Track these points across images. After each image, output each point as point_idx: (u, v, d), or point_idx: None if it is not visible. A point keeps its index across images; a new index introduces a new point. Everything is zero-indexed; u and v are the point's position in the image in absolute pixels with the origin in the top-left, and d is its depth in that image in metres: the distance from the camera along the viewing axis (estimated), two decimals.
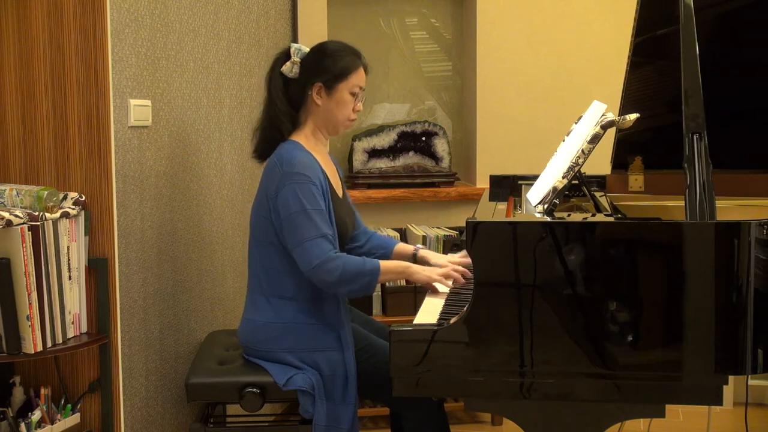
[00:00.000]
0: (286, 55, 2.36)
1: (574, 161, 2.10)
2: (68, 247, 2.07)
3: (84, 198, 2.12)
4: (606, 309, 1.84)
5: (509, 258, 1.86)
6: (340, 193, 2.42)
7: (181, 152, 2.57)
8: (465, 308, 1.91)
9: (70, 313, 2.09)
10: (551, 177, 2.22)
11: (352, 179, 3.62)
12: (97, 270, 2.15)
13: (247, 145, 2.98)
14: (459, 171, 3.85)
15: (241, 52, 2.99)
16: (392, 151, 3.68)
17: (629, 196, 2.79)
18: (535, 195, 2.29)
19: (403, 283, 3.25)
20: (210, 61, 2.75)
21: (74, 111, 2.12)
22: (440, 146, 3.69)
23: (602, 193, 2.75)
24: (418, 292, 3.22)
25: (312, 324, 2.28)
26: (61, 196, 2.10)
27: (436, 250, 3.15)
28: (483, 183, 3.54)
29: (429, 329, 1.91)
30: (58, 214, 2.03)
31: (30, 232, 1.96)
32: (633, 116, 2.16)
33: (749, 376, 2.89)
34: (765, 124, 2.64)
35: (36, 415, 2.06)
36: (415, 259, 2.51)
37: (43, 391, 2.12)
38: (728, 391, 3.38)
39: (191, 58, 2.62)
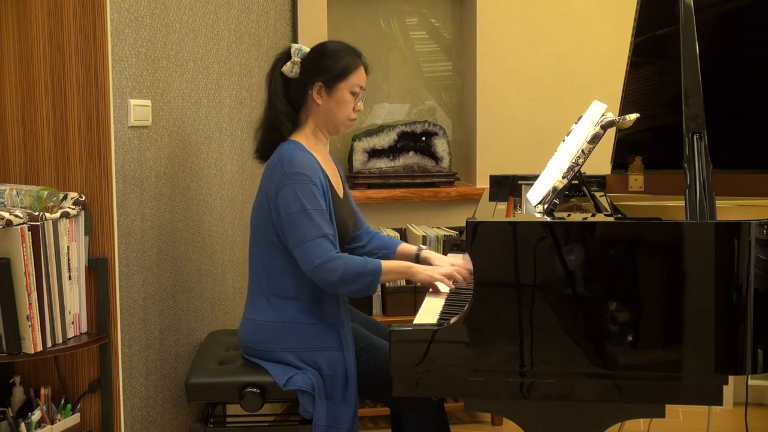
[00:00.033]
0: (286, 56, 2.36)
1: (574, 161, 2.11)
2: (68, 247, 2.07)
3: (84, 198, 2.12)
4: (606, 309, 1.84)
5: (509, 258, 1.86)
6: (340, 192, 2.42)
7: (181, 152, 2.57)
8: (465, 308, 1.91)
9: (70, 313, 2.09)
10: (551, 177, 2.22)
11: (352, 179, 3.62)
12: (97, 270, 2.15)
13: (247, 145, 2.98)
14: (459, 171, 3.85)
15: (241, 52, 2.99)
16: (392, 151, 3.68)
17: (629, 196, 2.79)
18: (535, 195, 2.29)
19: (403, 283, 3.25)
20: (210, 61, 2.75)
21: (74, 111, 2.12)
22: (440, 146, 3.69)
23: (602, 193, 2.75)
24: (418, 292, 3.22)
25: (312, 324, 2.28)
26: (61, 196, 2.10)
27: (436, 250, 3.15)
28: (483, 183, 3.54)
29: (429, 329, 1.91)
30: (58, 214, 2.03)
31: (30, 232, 1.97)
32: (633, 116, 2.16)
33: (749, 376, 2.89)
34: (765, 124, 2.64)
35: (36, 415, 2.06)
36: (417, 259, 2.51)
37: (43, 391, 2.12)
38: (728, 391, 3.38)
39: (191, 58, 2.62)
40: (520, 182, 2.89)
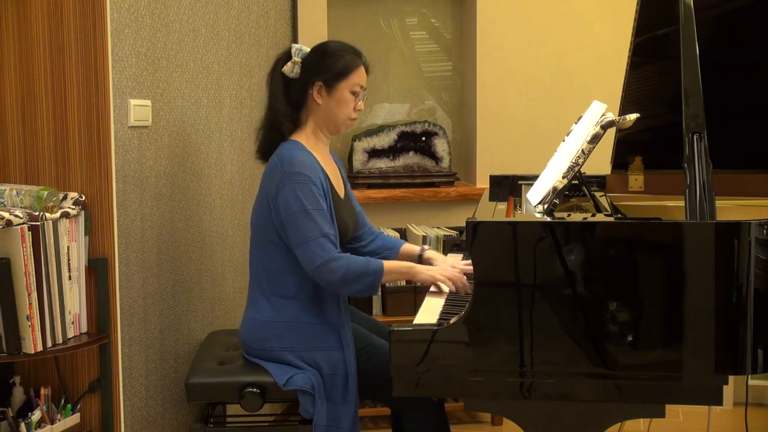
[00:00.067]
0: (287, 56, 2.36)
1: (574, 161, 2.11)
2: (68, 247, 2.07)
3: (84, 198, 2.12)
4: (606, 309, 1.84)
5: (509, 258, 1.86)
6: (341, 192, 2.42)
7: (181, 152, 2.57)
8: (465, 308, 1.91)
9: (70, 313, 2.09)
10: (551, 177, 2.22)
11: (352, 179, 3.61)
12: (97, 270, 2.15)
13: (247, 145, 2.98)
14: (459, 171, 3.85)
15: (241, 52, 2.99)
16: (392, 151, 3.68)
17: (629, 196, 2.79)
18: (535, 195, 2.29)
19: (404, 283, 3.25)
20: (210, 61, 2.75)
21: (74, 111, 2.12)
22: (440, 146, 3.69)
23: (602, 193, 2.75)
24: (418, 292, 3.22)
25: (313, 323, 2.28)
26: (61, 196, 2.10)
27: (436, 250, 3.14)
28: (483, 183, 3.54)
29: (429, 329, 1.91)
30: (58, 214, 2.03)
31: (30, 232, 1.97)
32: (633, 116, 2.16)
33: (749, 376, 2.89)
34: (765, 124, 2.64)
35: (36, 415, 2.06)
36: (420, 260, 2.51)
37: (43, 391, 2.12)
38: (728, 391, 3.38)
39: (191, 58, 2.62)
40: (520, 182, 2.89)
